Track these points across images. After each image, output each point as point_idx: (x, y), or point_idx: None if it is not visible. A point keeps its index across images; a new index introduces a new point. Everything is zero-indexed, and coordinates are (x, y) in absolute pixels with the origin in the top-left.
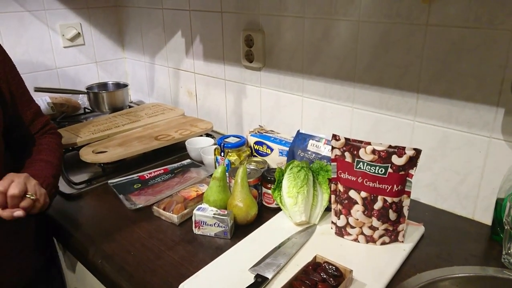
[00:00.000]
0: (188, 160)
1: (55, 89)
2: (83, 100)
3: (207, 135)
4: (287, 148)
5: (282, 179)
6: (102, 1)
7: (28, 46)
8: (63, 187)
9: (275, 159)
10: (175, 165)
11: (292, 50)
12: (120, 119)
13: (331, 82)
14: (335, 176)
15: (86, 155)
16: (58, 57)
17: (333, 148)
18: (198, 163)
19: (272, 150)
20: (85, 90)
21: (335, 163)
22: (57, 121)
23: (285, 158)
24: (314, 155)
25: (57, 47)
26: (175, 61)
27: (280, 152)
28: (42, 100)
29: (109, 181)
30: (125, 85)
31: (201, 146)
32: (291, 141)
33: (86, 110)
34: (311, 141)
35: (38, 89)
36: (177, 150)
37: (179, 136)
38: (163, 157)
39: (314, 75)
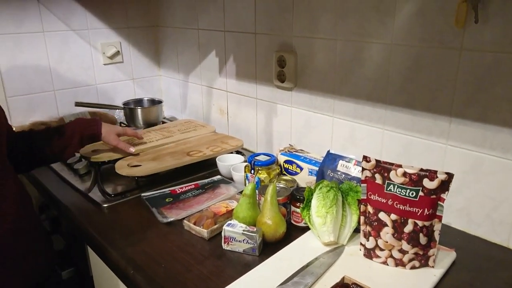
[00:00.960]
0: (218, 177)
1: (94, 104)
2: (119, 115)
3: (237, 152)
4: (317, 168)
5: (311, 198)
6: (141, 22)
7: (71, 63)
8: (98, 198)
9: (304, 178)
10: (206, 180)
11: (323, 71)
12: (153, 134)
13: (362, 103)
14: (365, 198)
15: (121, 168)
16: (98, 74)
17: (363, 169)
18: (228, 180)
19: (301, 169)
20: (122, 106)
21: (365, 185)
22: None
23: (315, 178)
24: (343, 175)
25: (98, 64)
26: (208, 79)
27: (309, 172)
28: (82, 114)
29: (142, 194)
30: (160, 102)
31: (232, 163)
32: (320, 161)
33: (122, 124)
34: (341, 162)
35: (78, 104)
36: (207, 166)
37: (210, 153)
38: (194, 172)
39: (345, 96)
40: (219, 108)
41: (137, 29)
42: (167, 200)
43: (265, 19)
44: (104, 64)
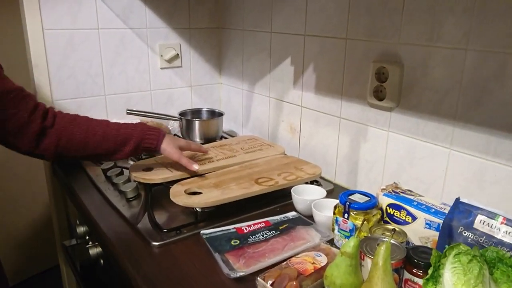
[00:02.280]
0: (294, 213)
1: (147, 114)
2: (173, 126)
3: (313, 182)
4: (439, 220)
5: (441, 267)
6: (205, 22)
7: (126, 66)
8: (148, 232)
9: (417, 232)
10: (278, 217)
11: (442, 89)
12: (213, 152)
13: (500, 136)
14: None
15: (178, 196)
16: (153, 79)
17: None
18: (307, 219)
19: (414, 218)
20: (178, 116)
21: None
22: None
23: (432, 233)
24: (484, 237)
25: (154, 68)
26: (278, 91)
27: (426, 224)
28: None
29: (201, 232)
30: (221, 114)
31: (311, 197)
32: (441, 209)
33: (176, 136)
34: (479, 217)
35: (130, 112)
36: (279, 197)
37: (284, 182)
38: (262, 203)
39: (473, 124)
40: (290, 126)
41: (200, 30)
42: (232, 242)
43: (362, 22)
44: (161, 68)
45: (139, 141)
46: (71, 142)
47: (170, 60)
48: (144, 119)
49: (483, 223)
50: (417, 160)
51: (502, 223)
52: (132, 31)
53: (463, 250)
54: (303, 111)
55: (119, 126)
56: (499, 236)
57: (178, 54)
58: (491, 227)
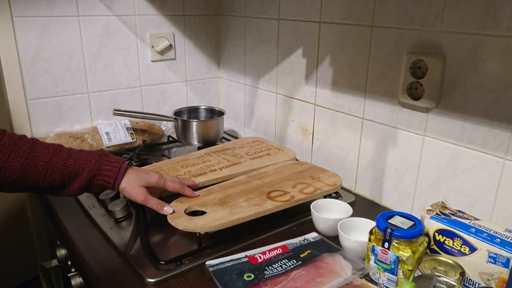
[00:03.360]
0: (315, 235)
1: (137, 114)
2: (167, 126)
3: (331, 193)
4: (507, 254)
5: None
6: (202, 8)
7: (111, 58)
8: (142, 265)
9: (477, 266)
10: (297, 241)
11: (497, 88)
12: (215, 159)
13: None
14: None
15: (177, 218)
16: (144, 73)
17: None
18: (331, 242)
19: (473, 250)
20: (173, 116)
21: None
22: (137, 153)
23: (498, 269)
24: None
25: (144, 61)
26: (287, 86)
27: (490, 257)
28: (121, 125)
29: (207, 263)
30: (221, 113)
31: (336, 217)
32: (508, 239)
33: (170, 138)
34: None
35: (117, 113)
36: (294, 213)
37: (300, 196)
38: (276, 223)
39: None
40: (301, 126)
41: (196, 17)
42: (246, 277)
43: (393, 5)
44: (152, 61)
45: (91, 176)
46: (4, 171)
47: (162, 52)
48: (134, 120)
49: None
50: (461, 171)
51: None
52: (118, 18)
53: None
54: (317, 109)
55: (69, 154)
56: None
57: (171, 45)
58: None
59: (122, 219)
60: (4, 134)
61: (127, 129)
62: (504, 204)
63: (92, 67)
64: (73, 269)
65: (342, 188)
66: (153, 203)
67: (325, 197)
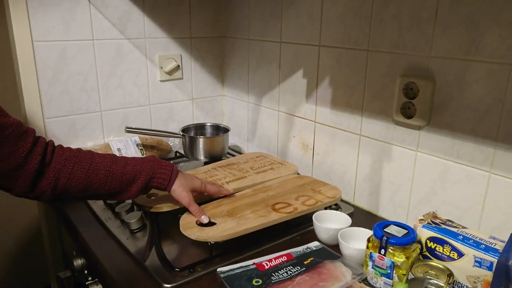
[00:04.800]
0: (317, 244)
1: (147, 131)
2: (174, 143)
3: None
4: (490, 257)
5: None
6: (208, 31)
7: (123, 78)
8: (158, 271)
9: (464, 270)
10: (300, 249)
11: (482, 108)
12: (221, 173)
13: None
14: None
15: (190, 228)
16: (153, 92)
17: None
18: (332, 250)
19: (461, 255)
20: (180, 133)
21: None
22: None
23: (483, 272)
24: None
25: (154, 81)
26: (289, 105)
27: (476, 262)
28: (132, 141)
29: (218, 270)
30: (227, 130)
31: (337, 227)
32: (492, 245)
33: (177, 154)
34: None
35: (129, 130)
36: (297, 224)
37: (303, 208)
38: (280, 233)
39: None
40: (302, 142)
41: (202, 39)
42: (254, 282)
43: (388, 32)
44: (161, 81)
45: (148, 180)
46: (70, 182)
47: (170, 72)
48: (144, 136)
49: None
50: (451, 184)
51: None
52: (129, 41)
53: None
54: (317, 126)
55: (126, 163)
56: None
57: (178, 66)
58: None
59: (137, 230)
60: (63, 148)
61: (137, 145)
62: (491, 215)
63: (105, 87)
64: (89, 278)
65: (342, 200)
66: (194, 209)
67: (325, 208)
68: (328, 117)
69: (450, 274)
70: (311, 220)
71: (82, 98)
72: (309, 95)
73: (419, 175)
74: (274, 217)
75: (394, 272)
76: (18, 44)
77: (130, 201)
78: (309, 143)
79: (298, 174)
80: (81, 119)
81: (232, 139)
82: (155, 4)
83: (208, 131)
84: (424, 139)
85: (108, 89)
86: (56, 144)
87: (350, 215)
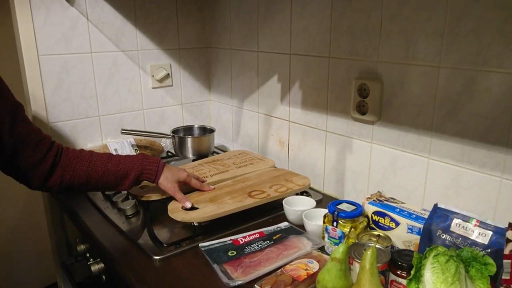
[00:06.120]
0: (286, 224)
1: (141, 132)
2: (166, 143)
3: (303, 193)
4: (419, 225)
5: (422, 268)
6: (194, 42)
7: (118, 87)
8: (149, 247)
9: (401, 236)
10: (271, 228)
11: (419, 103)
12: (207, 168)
13: (473, 145)
14: (508, 278)
15: (176, 212)
16: (145, 98)
17: (508, 241)
18: (298, 229)
19: (397, 224)
20: (171, 134)
21: (509, 261)
22: None
23: (414, 237)
24: (460, 239)
25: (146, 88)
26: (267, 107)
27: (409, 229)
28: (127, 142)
29: (200, 244)
30: (212, 130)
31: (301, 208)
32: (423, 216)
33: (169, 153)
34: (455, 221)
35: (125, 132)
36: (271, 208)
37: (275, 194)
38: (255, 215)
39: (448, 135)
40: (279, 139)
41: (189, 50)
42: (230, 253)
43: (344, 41)
44: (153, 88)
45: (138, 174)
46: (73, 178)
47: (161, 80)
48: (138, 138)
49: (459, 226)
50: (399, 170)
51: (475, 225)
52: (124, 53)
53: (441, 251)
54: (291, 125)
55: (119, 160)
56: (473, 237)
57: (168, 74)
58: (466, 229)
59: (131, 215)
60: (68, 150)
61: (132, 146)
62: (431, 195)
63: (103, 94)
64: (91, 259)
65: (313, 189)
66: (179, 196)
67: (296, 195)
68: (300, 117)
69: (379, 235)
70: (283, 205)
71: (82, 104)
72: (283, 97)
73: (374, 163)
74: (249, 202)
75: (344, 241)
76: (25, 58)
77: (125, 192)
78: (285, 140)
79: (275, 167)
80: (81, 123)
81: (219, 140)
82: (146, 20)
83: (196, 132)
84: (377, 132)
85: (105, 96)
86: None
87: (318, 201)
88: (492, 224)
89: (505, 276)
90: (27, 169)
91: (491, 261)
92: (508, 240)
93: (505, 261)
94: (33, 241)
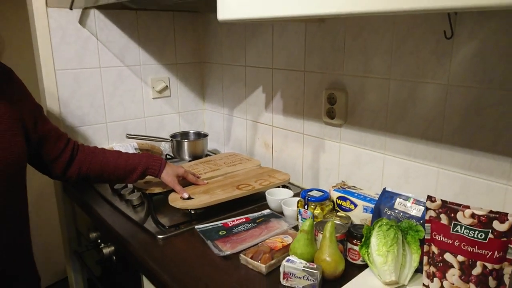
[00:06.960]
0: (268, 211)
1: (143, 137)
2: (165, 147)
3: (284, 186)
4: (372, 205)
5: (370, 236)
6: (190, 58)
7: (123, 97)
8: (153, 229)
9: (358, 215)
10: (256, 214)
11: (375, 109)
12: (201, 167)
13: (416, 142)
14: (429, 238)
15: (175, 201)
16: (147, 107)
17: (427, 209)
18: (278, 214)
19: (356, 206)
20: (169, 138)
21: (429, 225)
22: None
23: (369, 215)
24: (401, 213)
25: (147, 98)
26: (254, 114)
27: (364, 209)
28: (131, 146)
29: (196, 227)
30: (205, 135)
31: (282, 198)
32: (375, 198)
33: (168, 156)
34: (398, 200)
35: (129, 136)
36: (256, 199)
37: (259, 186)
38: (243, 205)
39: (398, 134)
40: (264, 142)
41: (185, 64)
42: (220, 233)
43: (316, 58)
44: (153, 98)
45: (144, 170)
46: (89, 170)
47: (160, 91)
48: (140, 142)
49: (400, 204)
50: (363, 165)
51: (413, 203)
52: (128, 68)
53: (384, 222)
54: (274, 130)
55: (128, 157)
56: (411, 213)
57: (167, 86)
58: (405, 206)
59: (137, 205)
60: (84, 147)
61: (135, 149)
62: (387, 183)
63: (109, 104)
64: (103, 244)
65: (293, 184)
66: (178, 188)
67: (277, 188)
68: (282, 122)
69: (336, 211)
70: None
71: (91, 113)
72: (267, 106)
73: (344, 160)
74: (237, 193)
75: (314, 221)
76: (44, 72)
77: (131, 185)
78: (269, 143)
79: (260, 166)
80: (91, 129)
81: (212, 144)
82: (148, 38)
83: (192, 137)
84: (344, 133)
85: (111, 105)
86: None
87: (297, 194)
88: (424, 201)
89: (427, 236)
90: (49, 161)
91: (421, 228)
92: (427, 208)
93: (426, 224)
94: (42, 237)
